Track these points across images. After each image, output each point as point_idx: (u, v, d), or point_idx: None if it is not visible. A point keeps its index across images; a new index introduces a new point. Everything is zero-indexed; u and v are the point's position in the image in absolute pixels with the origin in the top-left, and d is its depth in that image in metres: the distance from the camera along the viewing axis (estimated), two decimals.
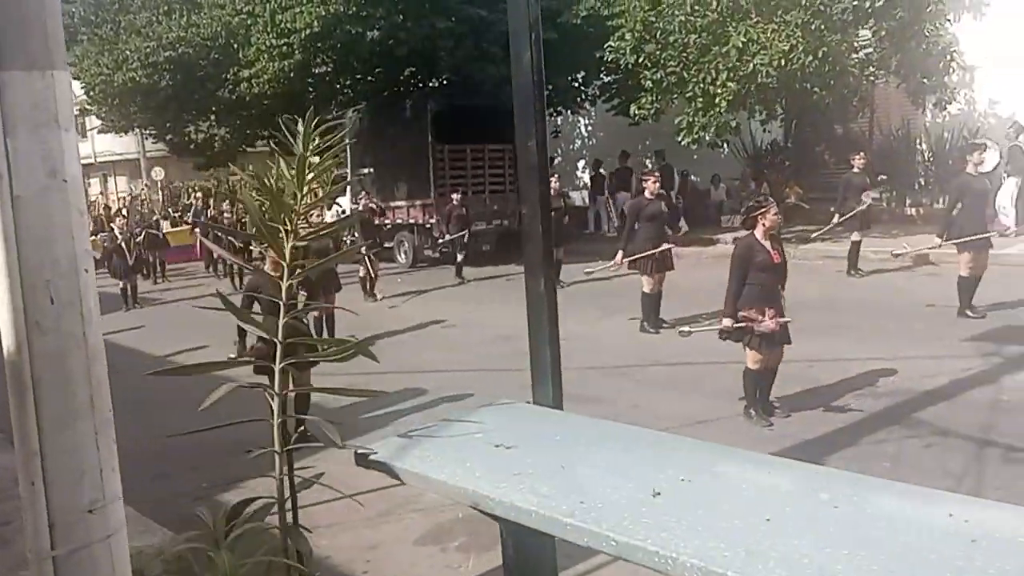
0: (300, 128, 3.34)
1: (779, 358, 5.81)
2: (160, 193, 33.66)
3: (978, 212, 8.13)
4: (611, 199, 19.72)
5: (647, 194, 8.84)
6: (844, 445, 5.18)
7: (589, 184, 21.64)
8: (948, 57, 13.41)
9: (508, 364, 8.07)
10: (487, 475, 2.78)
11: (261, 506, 3.08)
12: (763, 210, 5.75)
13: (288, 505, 3.17)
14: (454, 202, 14.10)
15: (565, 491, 2.60)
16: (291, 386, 3.35)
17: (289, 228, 3.25)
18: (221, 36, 18.90)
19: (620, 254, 8.84)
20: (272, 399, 3.18)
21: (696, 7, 13.23)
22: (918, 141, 17.03)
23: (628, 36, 14.17)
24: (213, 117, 23.43)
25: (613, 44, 14.61)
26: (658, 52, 13.92)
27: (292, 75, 15.49)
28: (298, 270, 3.31)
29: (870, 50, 13.32)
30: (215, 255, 17.87)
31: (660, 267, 8.72)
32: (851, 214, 11.19)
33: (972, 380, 6.18)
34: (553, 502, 2.52)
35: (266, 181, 3.26)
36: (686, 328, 6.61)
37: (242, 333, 6.46)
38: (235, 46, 18.24)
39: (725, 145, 17.14)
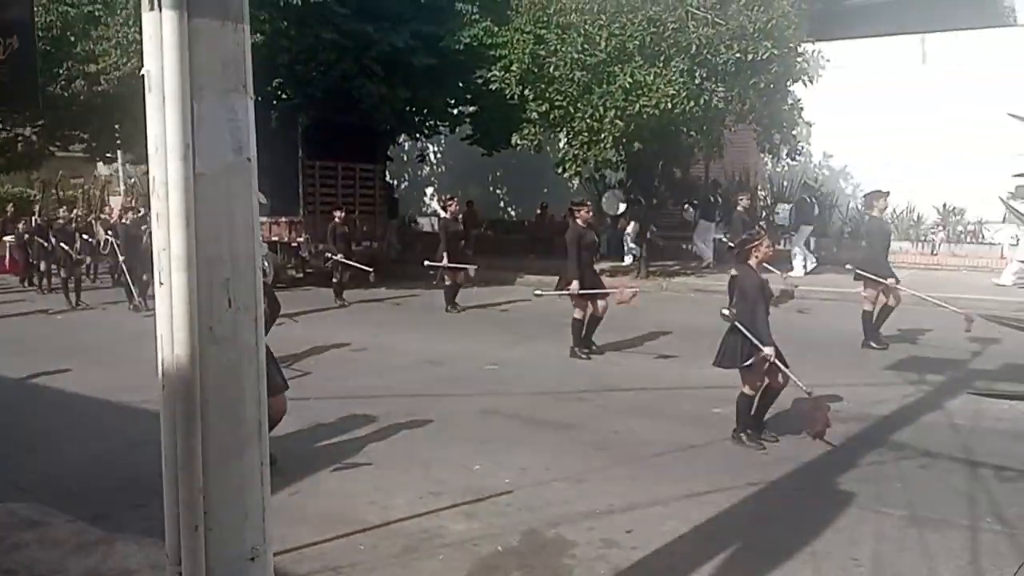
0: None
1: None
2: None
3: (883, 251, 8.95)
4: None
5: (581, 223, 8.92)
6: (847, 466, 5.43)
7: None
8: (796, 113, 14.77)
9: (451, 388, 7.83)
10: None
11: None
12: (757, 243, 5.98)
13: None
14: (337, 220, 13.47)
15: None
16: None
17: None
18: (56, 27, 17.03)
19: (575, 283, 8.79)
20: None
21: (585, 46, 13.64)
22: (759, 187, 18.61)
23: (515, 68, 14.34)
24: (17, 115, 21.03)
25: (498, 74, 14.73)
26: (544, 86, 14.20)
27: None
28: None
29: (733, 100, 14.34)
30: (41, 267, 15.79)
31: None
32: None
33: (919, 405, 6.74)
34: None
35: None
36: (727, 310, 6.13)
37: None
38: (72, 38, 16.53)
39: (576, 180, 17.70)
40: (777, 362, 5.85)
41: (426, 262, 12.55)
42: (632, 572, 4.15)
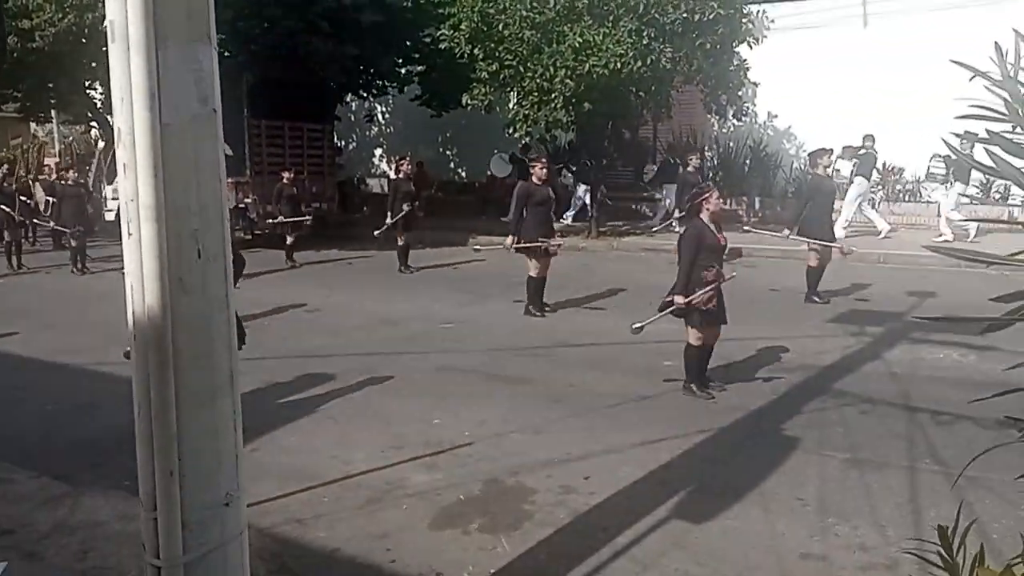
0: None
1: (717, 336, 6.18)
2: None
3: (826, 209, 9.20)
4: None
5: (535, 180, 8.94)
6: (792, 413, 5.66)
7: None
8: (742, 73, 14.96)
9: (407, 347, 7.87)
10: None
11: None
12: (707, 195, 6.09)
13: None
14: (286, 181, 13.28)
15: None
16: None
17: None
18: None
19: (510, 238, 8.85)
20: None
21: (535, 4, 13.57)
22: (707, 148, 18.85)
23: (464, 26, 14.19)
24: None
25: (447, 32, 14.56)
26: (494, 45, 14.10)
27: (87, 31, 13.67)
28: None
29: (680, 60, 14.43)
30: None
31: (547, 252, 8.88)
32: (684, 209, 12.07)
33: (860, 355, 7.02)
34: None
35: None
36: (637, 324, 6.20)
37: None
38: None
39: (526, 141, 17.70)
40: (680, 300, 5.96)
41: (375, 232, 12.38)
42: (590, 516, 4.30)
